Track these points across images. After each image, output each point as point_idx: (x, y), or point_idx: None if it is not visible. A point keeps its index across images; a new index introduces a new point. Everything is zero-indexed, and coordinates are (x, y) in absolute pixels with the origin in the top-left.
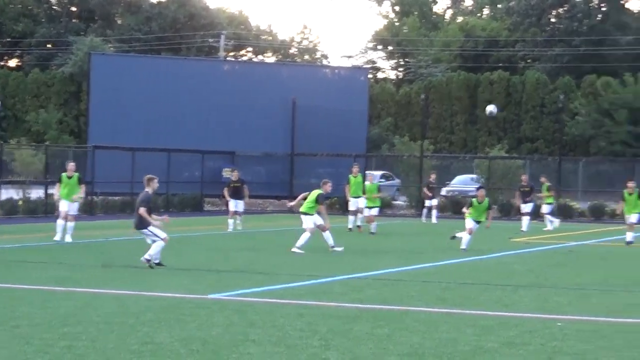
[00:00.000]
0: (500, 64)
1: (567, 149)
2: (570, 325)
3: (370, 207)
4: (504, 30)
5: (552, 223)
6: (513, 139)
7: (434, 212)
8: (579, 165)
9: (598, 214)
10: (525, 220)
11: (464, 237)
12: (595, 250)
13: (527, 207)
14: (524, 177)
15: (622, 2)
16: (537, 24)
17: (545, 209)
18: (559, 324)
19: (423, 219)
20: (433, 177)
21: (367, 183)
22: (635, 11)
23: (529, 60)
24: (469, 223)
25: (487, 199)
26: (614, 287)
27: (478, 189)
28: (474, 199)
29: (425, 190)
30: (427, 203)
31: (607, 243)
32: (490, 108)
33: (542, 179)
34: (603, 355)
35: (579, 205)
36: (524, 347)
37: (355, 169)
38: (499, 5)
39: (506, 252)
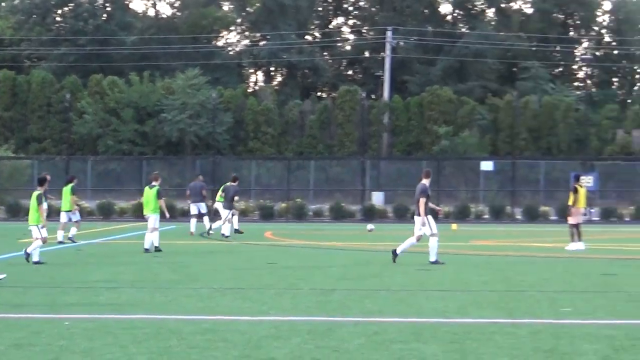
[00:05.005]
0: (5, 63)
1: (75, 148)
2: (78, 323)
3: None
4: (8, 29)
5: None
6: (20, 139)
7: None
8: (87, 164)
9: (107, 212)
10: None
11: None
12: (103, 248)
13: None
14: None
15: (126, 2)
16: (43, 22)
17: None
18: (67, 323)
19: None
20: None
21: None
22: (139, 11)
23: (35, 60)
24: None
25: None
26: (121, 284)
27: None
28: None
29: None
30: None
31: (116, 241)
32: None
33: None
34: (109, 352)
35: (87, 204)
36: (31, 348)
37: None
38: (3, 4)
39: (15, 254)
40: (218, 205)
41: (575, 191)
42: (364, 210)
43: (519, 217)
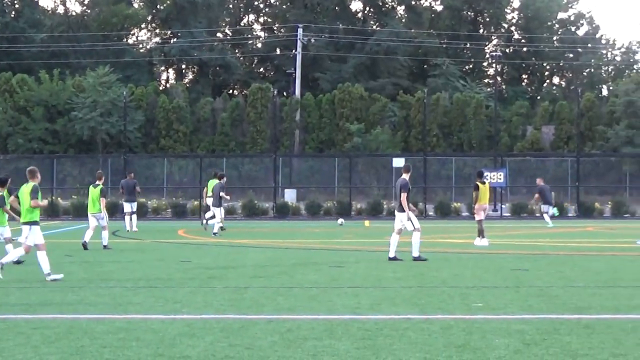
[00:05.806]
0: None
1: None
2: None
3: None
4: None
5: None
6: None
7: None
8: None
9: (17, 212)
10: None
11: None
12: None
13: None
14: None
15: None
16: None
17: None
18: None
19: None
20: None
21: None
22: (48, 9)
23: None
24: None
25: None
26: (32, 283)
27: None
28: None
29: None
30: None
31: None
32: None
33: None
34: (20, 352)
35: None
36: None
37: None
38: None
39: None
40: (209, 202)
41: (477, 188)
42: (276, 207)
43: (431, 213)
